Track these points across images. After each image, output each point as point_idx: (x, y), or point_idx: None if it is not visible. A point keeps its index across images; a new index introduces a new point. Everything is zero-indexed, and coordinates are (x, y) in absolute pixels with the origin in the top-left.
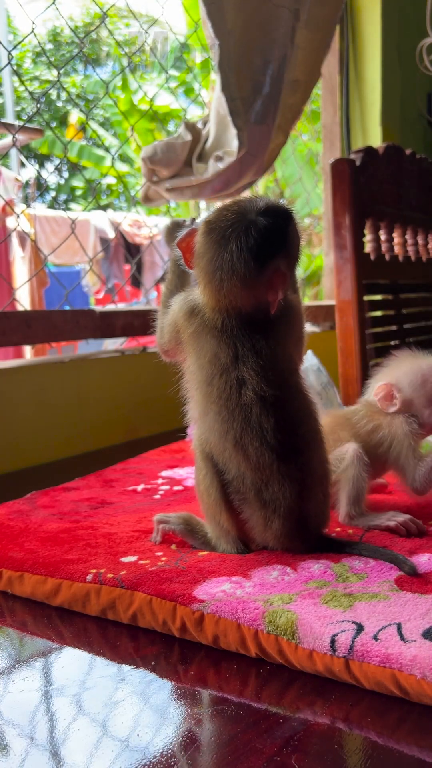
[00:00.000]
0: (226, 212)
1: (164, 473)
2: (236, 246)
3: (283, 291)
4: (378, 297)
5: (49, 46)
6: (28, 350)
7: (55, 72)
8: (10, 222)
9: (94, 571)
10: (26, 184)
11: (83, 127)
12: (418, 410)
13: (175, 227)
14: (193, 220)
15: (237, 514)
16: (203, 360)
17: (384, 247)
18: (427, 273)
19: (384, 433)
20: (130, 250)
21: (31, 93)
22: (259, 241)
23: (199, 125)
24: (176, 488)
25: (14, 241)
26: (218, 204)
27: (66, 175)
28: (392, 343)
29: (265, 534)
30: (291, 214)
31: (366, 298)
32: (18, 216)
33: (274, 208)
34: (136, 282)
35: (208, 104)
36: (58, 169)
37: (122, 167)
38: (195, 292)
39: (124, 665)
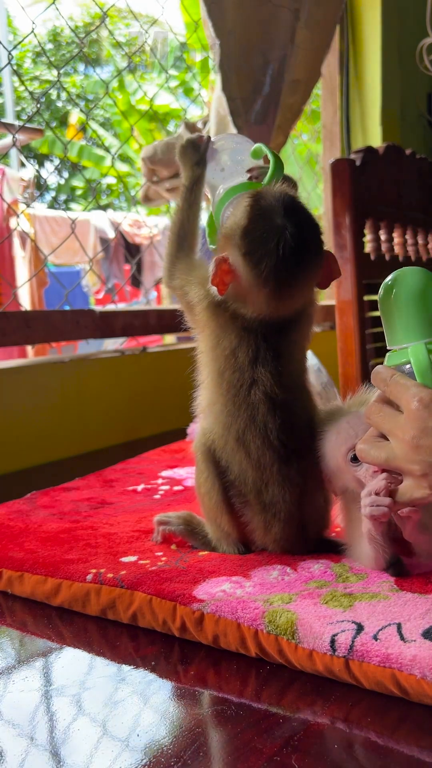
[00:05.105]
0: (256, 233)
1: (164, 473)
2: (295, 263)
3: (338, 267)
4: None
5: (49, 46)
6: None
7: (55, 72)
8: (14, 222)
9: (94, 571)
10: (27, 185)
11: (83, 127)
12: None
13: (190, 146)
14: (209, 138)
15: (238, 517)
16: (219, 352)
17: (384, 247)
18: None
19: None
20: (130, 250)
21: (31, 93)
22: (304, 251)
23: (199, 125)
24: (176, 488)
25: (15, 241)
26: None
27: (66, 175)
28: None
29: (265, 538)
30: (303, 205)
31: (366, 298)
32: (18, 216)
33: (290, 206)
34: (136, 282)
35: (208, 104)
36: (58, 169)
37: (122, 167)
38: None
39: (124, 665)
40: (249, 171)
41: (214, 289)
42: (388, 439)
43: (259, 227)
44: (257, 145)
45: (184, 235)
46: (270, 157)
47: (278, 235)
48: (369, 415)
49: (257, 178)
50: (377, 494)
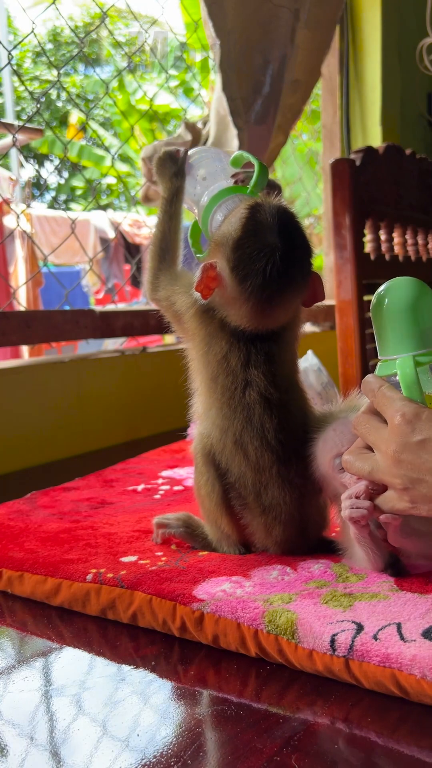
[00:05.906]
0: (247, 249)
1: (164, 473)
2: (281, 285)
3: (323, 290)
4: None
5: (49, 46)
6: (25, 350)
7: (55, 72)
8: (7, 221)
9: (94, 570)
10: (25, 185)
11: (83, 127)
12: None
13: (168, 159)
14: (186, 151)
15: (238, 519)
16: (211, 358)
17: (384, 247)
18: (427, 273)
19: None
20: (130, 250)
21: (31, 93)
22: (291, 274)
23: (199, 125)
24: (176, 488)
25: (16, 241)
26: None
27: (66, 175)
28: None
29: (266, 540)
30: (299, 224)
31: (366, 298)
32: (18, 216)
33: (285, 225)
34: (136, 282)
35: (208, 104)
36: (58, 169)
37: (122, 167)
38: None
39: (124, 665)
40: (234, 176)
41: (197, 294)
42: (373, 451)
43: (250, 243)
44: (237, 152)
45: (166, 247)
46: (253, 161)
47: (268, 256)
48: (356, 425)
49: (243, 182)
50: (357, 497)
